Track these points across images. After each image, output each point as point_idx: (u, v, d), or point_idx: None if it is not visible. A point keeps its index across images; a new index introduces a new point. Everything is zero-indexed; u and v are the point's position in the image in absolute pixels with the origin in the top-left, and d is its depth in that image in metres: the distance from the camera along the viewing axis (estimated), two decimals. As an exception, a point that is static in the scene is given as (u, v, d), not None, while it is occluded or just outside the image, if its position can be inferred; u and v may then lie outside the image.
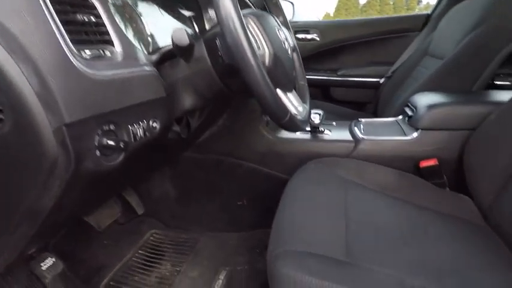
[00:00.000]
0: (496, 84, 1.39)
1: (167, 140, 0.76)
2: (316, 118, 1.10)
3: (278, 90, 0.66)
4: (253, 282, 0.99)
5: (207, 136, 1.15)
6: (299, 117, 0.73)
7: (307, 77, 1.00)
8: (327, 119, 1.14)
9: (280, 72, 0.70)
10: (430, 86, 1.27)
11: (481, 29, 1.23)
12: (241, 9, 0.55)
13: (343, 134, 1.11)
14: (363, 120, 1.18)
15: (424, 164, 0.97)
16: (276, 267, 0.57)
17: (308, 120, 0.88)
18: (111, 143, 0.50)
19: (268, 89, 0.57)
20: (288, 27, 0.96)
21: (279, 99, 0.62)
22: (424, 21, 1.83)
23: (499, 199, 0.84)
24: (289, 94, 0.77)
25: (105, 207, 1.12)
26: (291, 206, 0.76)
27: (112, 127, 0.51)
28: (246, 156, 1.15)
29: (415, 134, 1.00)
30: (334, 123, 1.20)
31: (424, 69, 1.48)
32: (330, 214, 0.75)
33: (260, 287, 0.97)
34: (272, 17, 0.78)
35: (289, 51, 0.81)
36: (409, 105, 1.11)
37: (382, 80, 1.81)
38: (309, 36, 2.02)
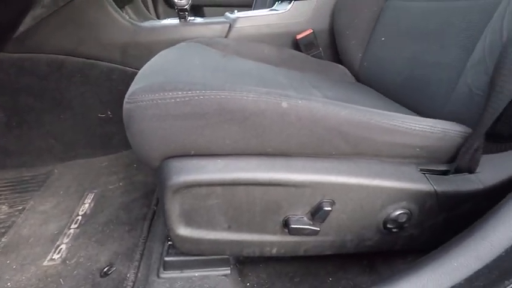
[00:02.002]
0: None
1: None
2: (183, -1, 0.91)
3: None
4: (132, 194, 0.80)
5: (32, 26, 0.81)
6: None
7: None
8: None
9: None
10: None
11: None
12: None
13: (217, 19, 0.98)
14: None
15: (300, 36, 0.93)
16: (134, 103, 0.40)
17: None
18: None
19: None
20: None
21: None
22: None
23: (364, 60, 0.88)
24: None
25: None
26: (158, 60, 0.59)
27: None
28: (98, 52, 0.88)
29: (288, 6, 0.94)
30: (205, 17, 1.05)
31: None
32: (206, 67, 0.61)
33: (141, 197, 0.79)
34: None
35: None
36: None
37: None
38: None
